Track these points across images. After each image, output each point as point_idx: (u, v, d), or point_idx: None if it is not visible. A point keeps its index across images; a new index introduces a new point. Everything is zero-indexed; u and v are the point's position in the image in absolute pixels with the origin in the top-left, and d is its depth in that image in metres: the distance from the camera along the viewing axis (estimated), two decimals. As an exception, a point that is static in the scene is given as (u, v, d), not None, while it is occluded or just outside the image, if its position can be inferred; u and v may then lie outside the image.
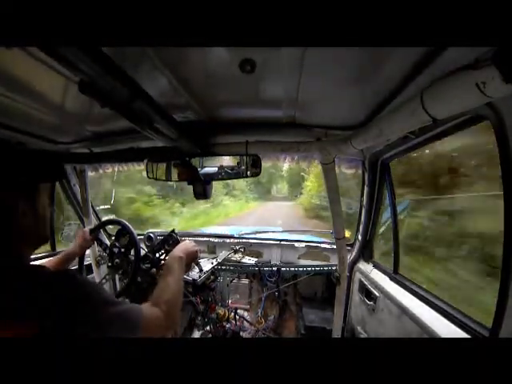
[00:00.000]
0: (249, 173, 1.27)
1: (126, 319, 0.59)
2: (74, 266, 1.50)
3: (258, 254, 2.08)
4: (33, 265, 0.60)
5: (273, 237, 2.19)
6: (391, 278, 1.42)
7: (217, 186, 10.87)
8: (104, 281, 1.53)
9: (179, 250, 0.97)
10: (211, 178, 1.34)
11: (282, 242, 2.09)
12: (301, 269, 1.92)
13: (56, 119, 1.13)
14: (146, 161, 1.35)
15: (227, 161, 1.40)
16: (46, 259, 1.55)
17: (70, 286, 0.54)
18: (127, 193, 7.60)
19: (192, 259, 1.04)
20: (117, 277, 1.89)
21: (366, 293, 1.55)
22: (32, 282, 0.52)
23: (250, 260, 1.98)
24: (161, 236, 1.73)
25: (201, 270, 1.51)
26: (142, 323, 0.61)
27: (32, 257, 1.70)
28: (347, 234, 1.73)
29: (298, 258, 2.04)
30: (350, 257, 1.82)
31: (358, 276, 1.74)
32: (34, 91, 0.86)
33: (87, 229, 1.43)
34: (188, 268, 1.04)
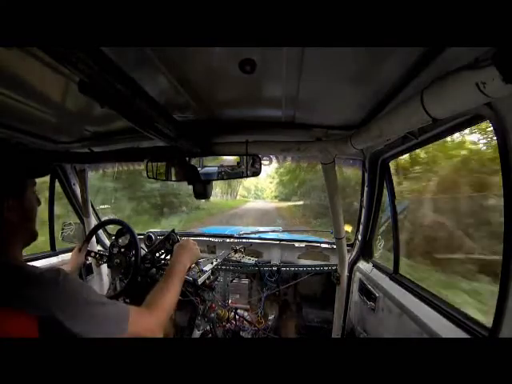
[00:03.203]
0: (249, 172, 1.27)
1: (112, 319, 0.60)
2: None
3: (257, 254, 2.08)
4: (23, 262, 0.60)
5: (273, 236, 2.18)
6: (391, 278, 1.42)
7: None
8: (111, 285, 1.55)
9: (185, 255, 0.96)
10: (211, 177, 1.34)
11: (282, 242, 2.09)
12: (301, 269, 1.92)
13: (56, 119, 1.13)
14: (146, 160, 1.35)
15: (227, 160, 1.40)
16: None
17: (60, 283, 0.54)
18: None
19: (195, 260, 1.05)
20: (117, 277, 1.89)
21: (366, 292, 1.55)
22: (23, 279, 0.52)
23: (249, 260, 1.97)
24: (161, 236, 1.73)
25: (201, 270, 1.51)
26: (129, 324, 0.61)
27: (32, 257, 1.70)
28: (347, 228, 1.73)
29: (298, 258, 2.04)
30: (349, 257, 1.82)
31: (358, 276, 1.74)
32: (35, 91, 0.86)
33: (76, 249, 1.46)
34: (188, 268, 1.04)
